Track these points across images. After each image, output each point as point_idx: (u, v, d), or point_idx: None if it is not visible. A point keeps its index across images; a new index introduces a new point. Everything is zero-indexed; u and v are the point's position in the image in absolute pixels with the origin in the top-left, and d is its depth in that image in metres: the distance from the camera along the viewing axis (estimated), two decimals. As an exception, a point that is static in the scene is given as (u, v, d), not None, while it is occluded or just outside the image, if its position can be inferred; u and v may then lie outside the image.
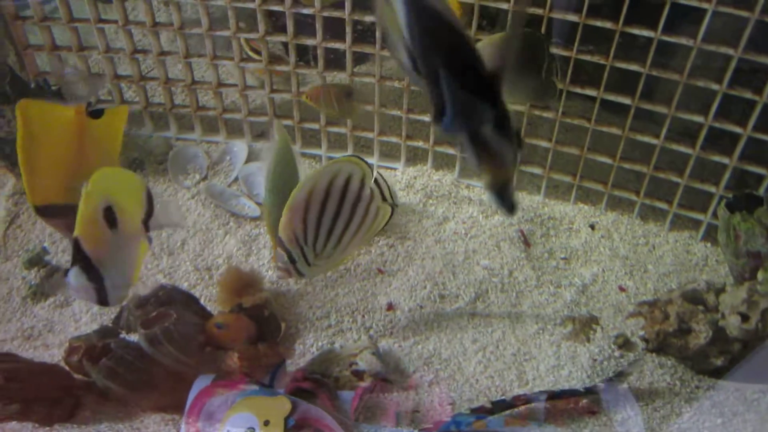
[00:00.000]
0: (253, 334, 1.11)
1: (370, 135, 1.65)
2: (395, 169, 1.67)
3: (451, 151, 1.61)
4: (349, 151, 1.68)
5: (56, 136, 0.89)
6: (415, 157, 1.70)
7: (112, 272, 0.83)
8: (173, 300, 1.08)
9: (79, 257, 0.80)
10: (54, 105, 0.94)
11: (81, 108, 0.91)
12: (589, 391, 1.08)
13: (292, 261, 1.04)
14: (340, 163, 1.01)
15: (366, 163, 1.02)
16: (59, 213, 0.93)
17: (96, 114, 0.93)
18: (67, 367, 1.06)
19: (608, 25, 1.34)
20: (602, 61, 1.39)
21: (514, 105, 1.42)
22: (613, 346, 1.20)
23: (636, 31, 1.32)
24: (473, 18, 1.39)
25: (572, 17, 1.35)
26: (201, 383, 1.01)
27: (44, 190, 0.92)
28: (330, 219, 1.02)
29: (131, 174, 0.94)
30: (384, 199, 1.06)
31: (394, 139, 1.65)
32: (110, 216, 0.83)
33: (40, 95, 1.45)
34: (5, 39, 1.51)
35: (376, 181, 1.04)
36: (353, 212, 1.03)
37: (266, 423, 0.94)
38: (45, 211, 0.95)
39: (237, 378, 1.05)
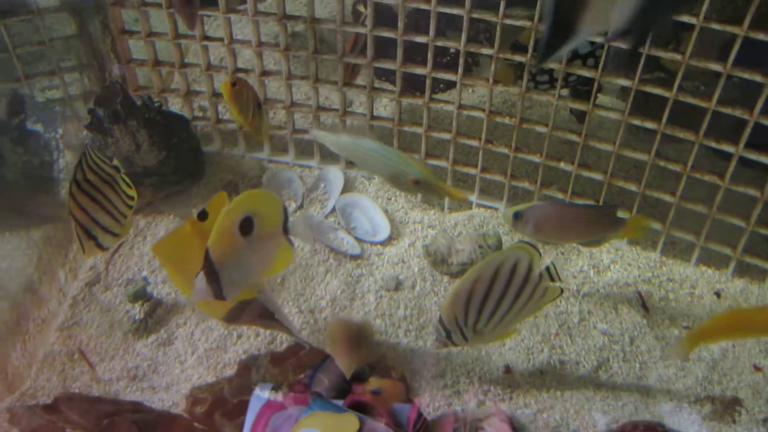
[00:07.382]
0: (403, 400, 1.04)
1: (472, 171, 1.57)
2: (496, 209, 1.59)
3: (559, 195, 1.52)
4: (448, 184, 1.60)
5: (191, 254, 0.97)
6: (515, 197, 1.61)
7: (233, 272, 0.92)
8: (314, 362, 1.02)
9: (206, 263, 0.89)
10: (174, 232, 1.03)
11: (192, 219, 1.00)
12: None
13: (449, 336, 1.01)
14: (507, 251, 1.01)
15: (535, 248, 1.00)
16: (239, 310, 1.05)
17: (202, 216, 0.99)
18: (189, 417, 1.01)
19: (757, 78, 1.23)
20: (745, 116, 1.29)
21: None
22: (762, 430, 1.10)
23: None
24: None
25: (716, 66, 1.25)
26: (259, 398, 0.97)
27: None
28: (493, 304, 1.01)
29: (269, 193, 1.04)
30: (553, 279, 1.00)
31: (497, 178, 1.56)
32: (247, 225, 0.92)
33: (145, 113, 1.39)
34: (111, 53, 1.46)
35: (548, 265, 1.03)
36: (518, 295, 0.99)
37: (334, 440, 0.90)
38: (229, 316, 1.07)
39: (297, 389, 1.01)
